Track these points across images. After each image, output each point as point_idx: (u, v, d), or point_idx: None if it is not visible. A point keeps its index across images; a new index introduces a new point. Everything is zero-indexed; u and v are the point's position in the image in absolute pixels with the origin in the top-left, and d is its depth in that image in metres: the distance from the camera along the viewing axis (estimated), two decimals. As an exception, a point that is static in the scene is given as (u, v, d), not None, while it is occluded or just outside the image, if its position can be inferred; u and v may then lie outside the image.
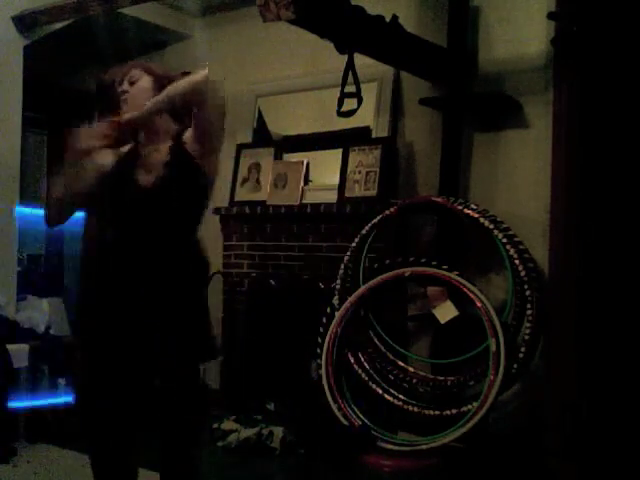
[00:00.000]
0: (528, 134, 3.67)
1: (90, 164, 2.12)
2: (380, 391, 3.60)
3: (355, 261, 3.78)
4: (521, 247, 3.46)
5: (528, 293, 3.35)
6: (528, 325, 3.34)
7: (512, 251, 3.39)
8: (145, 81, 2.23)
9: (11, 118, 4.31)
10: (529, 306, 3.35)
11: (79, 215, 2.26)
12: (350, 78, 3.30)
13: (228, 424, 3.76)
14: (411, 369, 3.63)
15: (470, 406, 3.29)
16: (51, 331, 4.22)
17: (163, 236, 2.18)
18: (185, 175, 2.18)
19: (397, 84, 4.14)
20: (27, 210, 4.34)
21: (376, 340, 3.69)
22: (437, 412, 3.42)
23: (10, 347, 3.77)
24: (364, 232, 3.75)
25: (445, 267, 3.51)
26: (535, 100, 3.64)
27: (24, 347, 3.86)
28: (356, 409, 3.59)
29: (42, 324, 4.18)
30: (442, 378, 3.52)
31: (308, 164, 4.39)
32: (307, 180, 4.38)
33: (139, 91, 2.21)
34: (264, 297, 4.37)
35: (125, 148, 2.22)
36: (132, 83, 2.23)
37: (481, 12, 3.84)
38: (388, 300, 3.81)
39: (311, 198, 4.28)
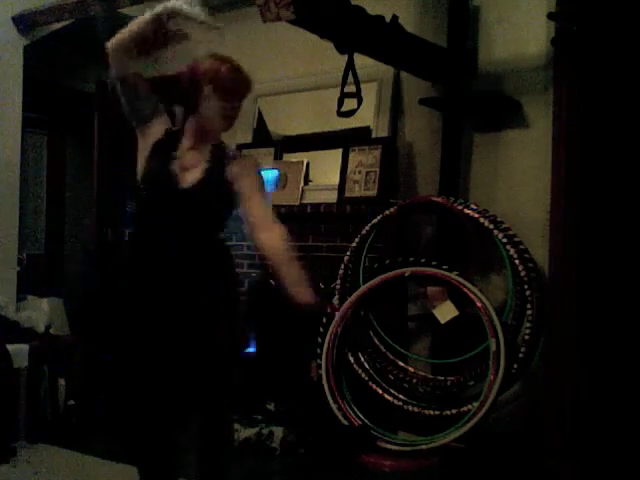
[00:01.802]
0: (528, 134, 3.67)
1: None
2: (380, 391, 3.60)
3: (355, 261, 3.78)
4: (521, 247, 3.46)
5: (528, 293, 3.35)
6: (528, 325, 3.34)
7: (512, 251, 3.39)
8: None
9: (11, 118, 4.31)
10: (529, 306, 3.35)
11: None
12: (350, 78, 3.30)
13: (228, 424, 3.75)
14: (411, 369, 3.63)
15: (470, 406, 3.29)
16: (51, 331, 4.22)
17: (195, 236, 2.42)
18: (219, 188, 2.45)
19: (397, 84, 4.14)
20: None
21: (376, 340, 3.69)
22: (437, 412, 3.41)
23: (10, 347, 3.77)
24: (364, 232, 3.75)
25: (445, 267, 3.51)
26: (535, 100, 3.63)
27: (24, 347, 3.86)
28: (356, 409, 3.59)
29: (42, 324, 4.18)
30: (442, 378, 3.52)
31: (308, 164, 4.39)
32: (307, 180, 4.38)
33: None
34: (264, 297, 4.36)
35: (160, 129, 2.44)
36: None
37: (481, 12, 3.84)
38: (388, 300, 3.81)
39: (311, 198, 4.28)
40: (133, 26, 2.37)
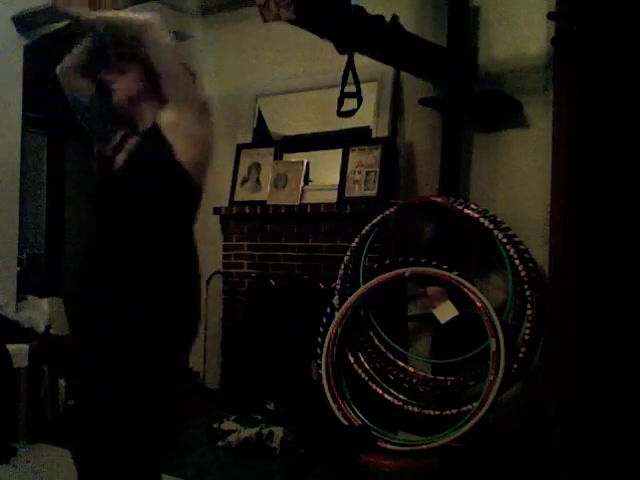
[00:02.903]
0: (528, 134, 3.67)
1: None
2: (380, 391, 3.60)
3: (355, 261, 3.78)
4: (521, 247, 3.46)
5: (528, 293, 3.35)
6: (528, 325, 3.34)
7: (512, 251, 3.39)
8: (134, 71, 2.14)
9: (11, 118, 4.31)
10: (529, 306, 3.35)
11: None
12: (350, 78, 3.30)
13: (228, 424, 3.76)
14: (411, 369, 3.63)
15: (470, 406, 3.29)
16: (51, 331, 4.22)
17: (130, 224, 2.06)
18: (152, 154, 2.06)
19: (397, 84, 4.14)
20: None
21: (376, 340, 3.69)
22: (437, 412, 3.41)
23: (10, 347, 3.77)
24: (364, 232, 3.75)
25: (445, 267, 3.51)
26: (535, 100, 3.64)
27: (24, 347, 3.86)
28: (356, 409, 3.59)
29: (42, 324, 4.18)
30: (442, 378, 3.52)
31: (308, 164, 4.39)
32: (307, 180, 4.39)
33: (127, 80, 2.14)
34: (264, 297, 4.37)
35: (119, 135, 2.18)
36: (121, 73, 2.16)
37: (481, 12, 3.84)
38: (388, 300, 3.81)
39: (311, 198, 4.28)
40: (81, 47, 2.24)
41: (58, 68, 2.26)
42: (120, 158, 2.11)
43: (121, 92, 2.14)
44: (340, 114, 3.40)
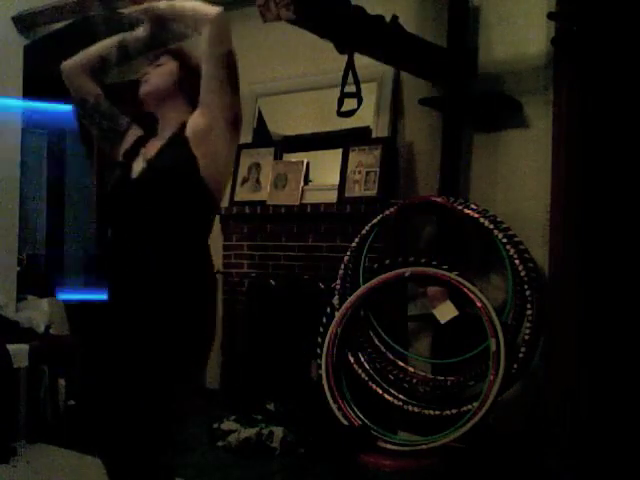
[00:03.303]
0: (528, 134, 3.67)
1: None
2: (380, 391, 3.60)
3: (355, 261, 3.78)
4: (521, 247, 3.46)
5: (528, 293, 3.35)
6: (528, 325, 3.34)
7: (512, 251, 3.39)
8: (170, 65, 2.12)
9: (11, 118, 4.31)
10: (529, 306, 3.35)
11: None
12: (350, 78, 3.30)
13: (228, 424, 3.76)
14: (411, 369, 3.62)
15: (470, 406, 3.29)
16: (51, 331, 4.22)
17: (145, 235, 1.95)
18: (175, 165, 1.95)
19: (397, 84, 4.14)
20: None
21: (376, 340, 3.68)
22: (437, 412, 3.41)
23: (10, 347, 3.77)
24: (364, 232, 3.75)
25: (445, 267, 3.51)
26: (535, 100, 3.64)
27: (24, 347, 3.86)
28: (356, 409, 3.59)
29: (42, 324, 4.18)
30: (442, 378, 3.52)
31: (308, 164, 4.39)
32: (307, 180, 4.39)
33: (160, 73, 2.10)
34: (264, 297, 4.37)
35: (131, 139, 2.12)
36: (157, 66, 2.12)
37: (481, 12, 3.84)
38: (388, 300, 3.81)
39: (311, 198, 4.28)
40: (97, 47, 2.18)
41: (64, 64, 2.19)
42: (138, 166, 2.01)
43: (149, 84, 2.08)
44: (340, 114, 3.40)
